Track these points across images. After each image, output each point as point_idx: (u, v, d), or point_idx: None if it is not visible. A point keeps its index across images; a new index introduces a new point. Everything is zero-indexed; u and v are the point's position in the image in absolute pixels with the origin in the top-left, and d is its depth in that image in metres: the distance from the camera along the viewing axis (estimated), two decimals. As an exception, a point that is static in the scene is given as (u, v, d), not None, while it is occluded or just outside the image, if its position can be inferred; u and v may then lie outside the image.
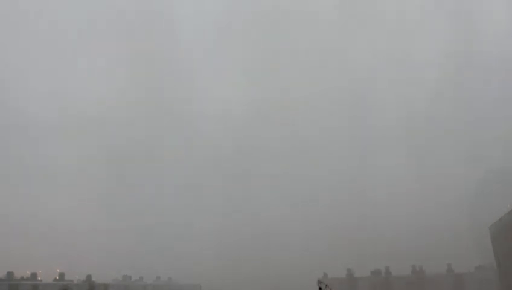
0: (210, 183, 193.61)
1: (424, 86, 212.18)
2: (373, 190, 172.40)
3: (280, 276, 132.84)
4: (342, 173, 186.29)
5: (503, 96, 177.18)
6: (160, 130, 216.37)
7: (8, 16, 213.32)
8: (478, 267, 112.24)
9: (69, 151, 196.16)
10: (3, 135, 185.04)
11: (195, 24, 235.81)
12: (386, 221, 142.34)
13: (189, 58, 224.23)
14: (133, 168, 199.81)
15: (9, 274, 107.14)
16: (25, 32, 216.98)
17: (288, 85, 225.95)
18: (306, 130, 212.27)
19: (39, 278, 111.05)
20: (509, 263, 67.56)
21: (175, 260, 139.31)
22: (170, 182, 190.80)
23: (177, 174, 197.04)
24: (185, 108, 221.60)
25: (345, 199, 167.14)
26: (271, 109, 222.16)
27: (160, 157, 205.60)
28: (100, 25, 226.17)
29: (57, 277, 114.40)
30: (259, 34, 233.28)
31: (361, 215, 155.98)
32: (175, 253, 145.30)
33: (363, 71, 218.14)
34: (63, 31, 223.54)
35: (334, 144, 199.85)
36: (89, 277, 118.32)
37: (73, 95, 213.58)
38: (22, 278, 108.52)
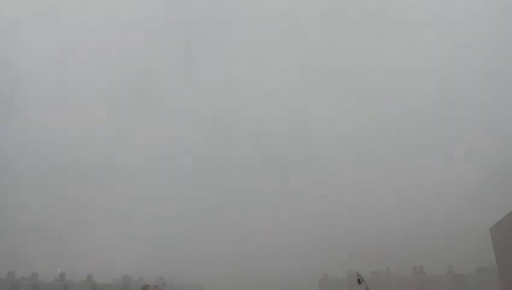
0: (209, 182, 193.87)
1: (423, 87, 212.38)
2: (373, 191, 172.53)
3: (281, 276, 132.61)
4: (343, 175, 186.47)
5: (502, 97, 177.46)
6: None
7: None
8: (479, 269, 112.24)
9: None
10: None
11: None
12: (387, 222, 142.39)
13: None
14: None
15: (10, 274, 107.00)
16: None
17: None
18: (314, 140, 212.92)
19: (40, 278, 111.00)
20: (510, 264, 67.40)
21: (176, 261, 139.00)
22: (170, 181, 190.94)
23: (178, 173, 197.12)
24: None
25: (346, 200, 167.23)
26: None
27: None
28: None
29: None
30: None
31: (361, 216, 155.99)
32: (176, 254, 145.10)
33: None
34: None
35: (335, 146, 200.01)
36: (89, 277, 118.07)
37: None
38: (23, 278, 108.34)
